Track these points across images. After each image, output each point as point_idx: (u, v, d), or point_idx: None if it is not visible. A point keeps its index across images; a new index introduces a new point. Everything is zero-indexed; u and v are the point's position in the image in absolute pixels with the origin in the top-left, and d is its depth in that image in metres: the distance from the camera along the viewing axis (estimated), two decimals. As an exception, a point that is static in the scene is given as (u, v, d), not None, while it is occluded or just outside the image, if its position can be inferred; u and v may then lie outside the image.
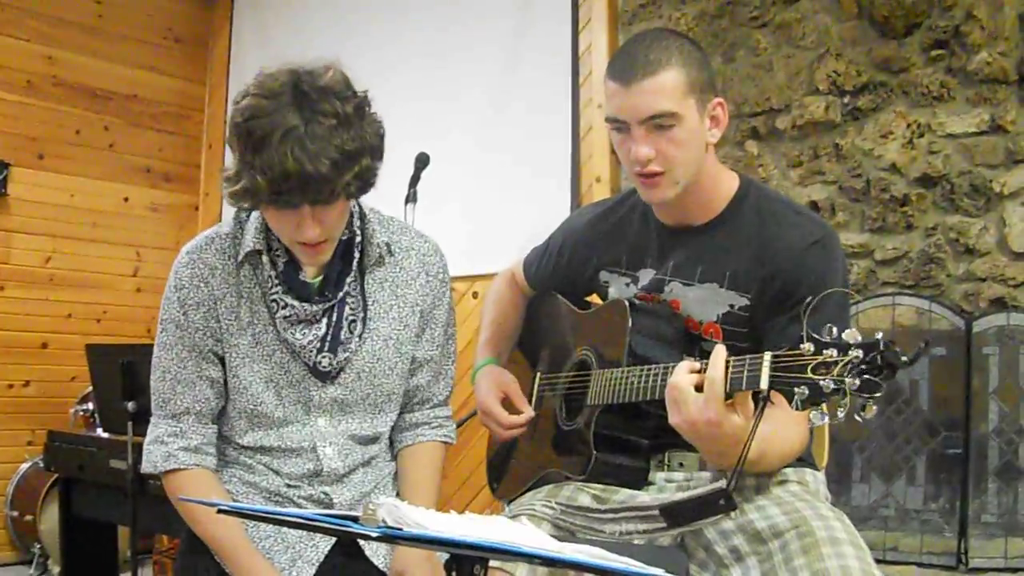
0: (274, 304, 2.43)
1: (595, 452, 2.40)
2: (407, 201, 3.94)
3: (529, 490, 2.67)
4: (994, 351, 4.15)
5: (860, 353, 1.74)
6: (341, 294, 2.47)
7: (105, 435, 4.88)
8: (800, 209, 2.51)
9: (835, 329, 1.79)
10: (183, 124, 7.53)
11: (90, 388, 5.50)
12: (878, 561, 2.19)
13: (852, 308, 4.31)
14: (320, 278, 2.46)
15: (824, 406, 1.80)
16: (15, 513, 5.98)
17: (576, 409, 2.57)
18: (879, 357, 1.73)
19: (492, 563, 1.96)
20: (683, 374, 2.11)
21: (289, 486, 2.52)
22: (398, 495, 2.63)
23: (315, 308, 2.43)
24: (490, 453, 3.03)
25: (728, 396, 2.06)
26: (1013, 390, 4.11)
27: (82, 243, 6.86)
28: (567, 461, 2.54)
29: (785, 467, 2.42)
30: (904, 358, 1.73)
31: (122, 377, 4.25)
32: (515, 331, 3.04)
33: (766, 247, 2.40)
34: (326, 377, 2.49)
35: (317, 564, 2.43)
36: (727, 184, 2.50)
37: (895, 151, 4.56)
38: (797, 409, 1.82)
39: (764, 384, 1.90)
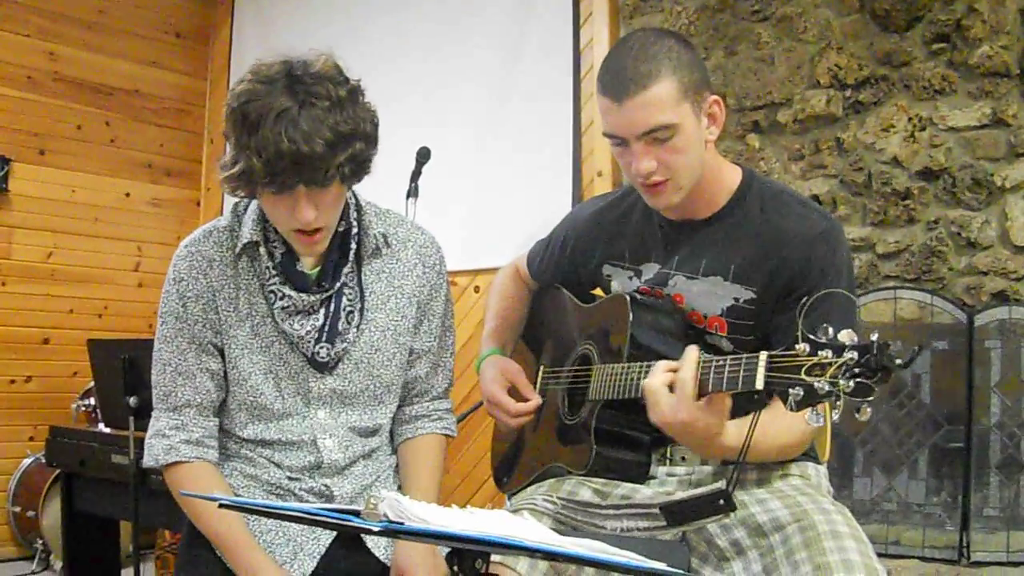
0: (272, 295, 2.45)
1: (596, 446, 2.40)
2: (408, 195, 3.95)
3: (531, 484, 2.67)
4: (996, 345, 4.15)
5: (855, 355, 1.73)
6: (338, 284, 2.48)
7: (107, 430, 4.88)
8: (804, 200, 2.51)
9: (831, 329, 1.78)
10: (184, 119, 7.52)
11: (92, 383, 5.49)
12: (880, 555, 2.19)
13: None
14: (317, 269, 2.48)
15: (819, 407, 1.79)
16: (17, 509, 5.99)
17: (578, 403, 2.57)
18: (874, 359, 1.71)
19: (494, 557, 1.96)
20: (658, 375, 2.16)
21: (290, 479, 2.53)
22: (399, 488, 2.64)
23: (312, 298, 2.44)
24: (497, 448, 3.03)
25: (700, 396, 2.10)
26: (1015, 384, 4.11)
27: (83, 238, 6.86)
28: (569, 455, 2.54)
29: (788, 460, 2.43)
30: (899, 361, 1.72)
31: (123, 372, 4.24)
32: (520, 323, 3.04)
33: (771, 239, 2.40)
34: (324, 368, 2.50)
35: (318, 557, 2.44)
36: (729, 177, 2.49)
37: (897, 145, 4.56)
38: (792, 410, 1.81)
39: (760, 385, 1.90)
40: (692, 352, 2.13)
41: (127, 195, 7.13)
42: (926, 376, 4.26)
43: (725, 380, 2.01)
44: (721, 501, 2.10)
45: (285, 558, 2.42)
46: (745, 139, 5.02)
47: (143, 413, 4.03)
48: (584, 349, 2.65)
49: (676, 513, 2.19)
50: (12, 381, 6.48)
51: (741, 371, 1.96)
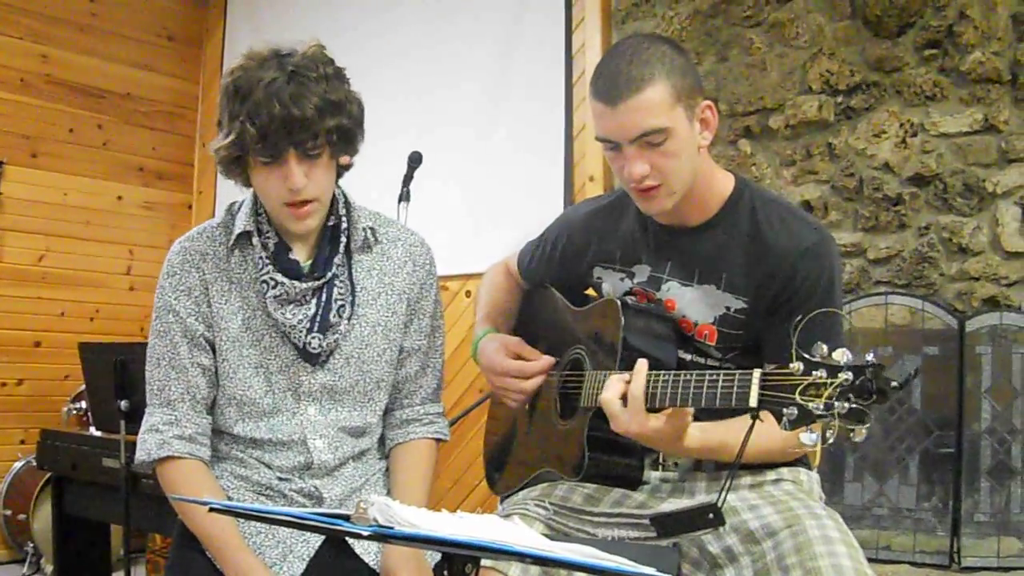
0: (265, 285, 2.48)
1: (588, 452, 2.39)
2: (400, 200, 3.95)
3: (523, 488, 2.67)
4: (987, 350, 4.16)
5: (850, 376, 1.72)
6: (330, 275, 2.52)
7: (98, 434, 4.87)
8: (795, 211, 2.50)
9: (825, 347, 1.77)
10: (177, 123, 7.51)
11: (83, 387, 5.49)
12: (871, 560, 2.20)
13: (845, 308, 4.32)
14: (310, 262, 2.53)
15: (813, 427, 1.79)
16: (8, 512, 5.98)
17: (570, 409, 2.57)
18: (869, 382, 1.71)
19: (484, 562, 1.96)
20: (612, 388, 2.19)
21: (280, 479, 2.54)
22: (389, 493, 2.65)
23: (304, 286, 2.48)
24: (489, 446, 3.02)
25: (654, 410, 2.13)
26: (1006, 389, 4.11)
27: (75, 241, 6.85)
28: (561, 461, 2.53)
29: (780, 465, 2.43)
30: (894, 383, 1.71)
31: (115, 376, 4.24)
32: (511, 314, 3.03)
33: (761, 250, 2.40)
34: (316, 360, 2.52)
35: (307, 559, 2.45)
36: (722, 184, 2.49)
37: (888, 150, 4.57)
38: (786, 429, 1.81)
39: (753, 403, 1.90)
40: (641, 365, 2.16)
41: (119, 198, 7.12)
42: (917, 382, 4.26)
43: (718, 395, 2.01)
44: (711, 515, 2.11)
45: (274, 560, 2.43)
46: (737, 144, 5.03)
47: (134, 416, 4.03)
48: (576, 353, 2.65)
49: (666, 525, 2.20)
50: (3, 384, 6.47)
51: (735, 387, 1.96)
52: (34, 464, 5.55)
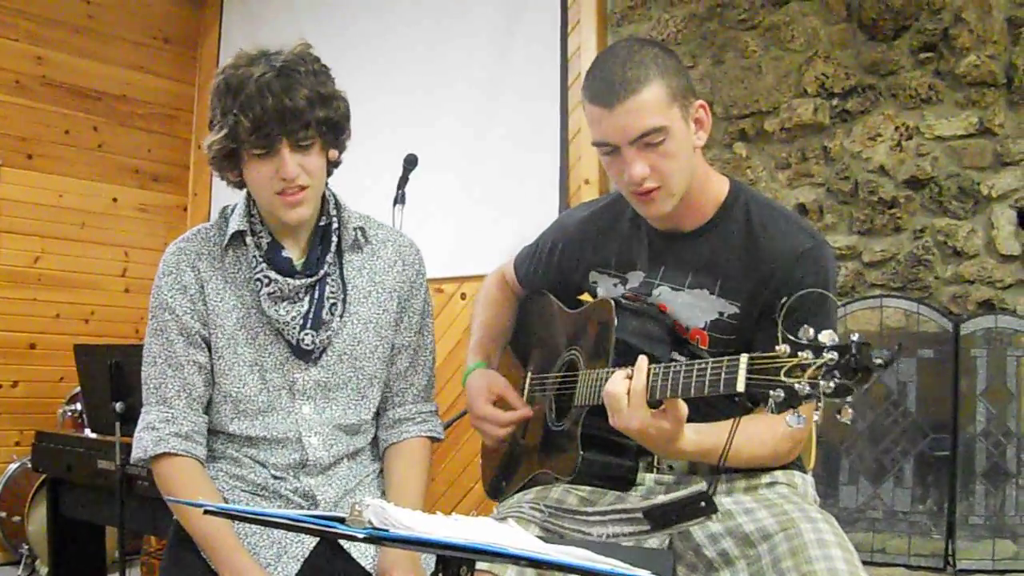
0: (258, 282, 2.52)
1: (582, 452, 2.39)
2: (395, 202, 3.95)
3: (519, 491, 2.67)
4: (982, 353, 4.16)
5: (834, 355, 1.72)
6: (322, 272, 2.55)
7: (93, 436, 4.87)
8: (790, 216, 2.50)
9: (812, 330, 1.77)
10: (172, 125, 7.51)
11: (78, 388, 5.49)
12: (866, 563, 2.20)
13: (840, 311, 4.33)
14: (302, 260, 2.57)
15: (800, 409, 1.79)
16: (3, 514, 5.97)
17: (565, 410, 2.57)
18: (853, 359, 1.71)
19: (479, 565, 1.96)
20: (617, 382, 2.18)
21: (275, 478, 2.56)
22: (383, 494, 2.66)
23: (297, 283, 2.51)
24: (488, 462, 3.02)
25: (655, 404, 2.12)
26: (1001, 392, 4.12)
27: (71, 243, 6.84)
28: (555, 462, 2.54)
29: (774, 469, 2.43)
30: (879, 360, 1.72)
31: (110, 378, 4.24)
32: (506, 332, 3.04)
33: (754, 256, 2.40)
34: (309, 357, 2.55)
35: (302, 559, 2.46)
36: (717, 188, 2.49)
37: (883, 153, 4.57)
38: (772, 412, 1.81)
39: (740, 387, 1.90)
40: (642, 362, 2.16)
41: (114, 200, 7.11)
42: (912, 384, 4.27)
43: (707, 383, 2.01)
44: (702, 504, 2.11)
45: (269, 560, 2.44)
46: (732, 147, 5.03)
47: (129, 418, 4.02)
48: (570, 355, 2.65)
49: (658, 517, 2.20)
50: (-2, 386, 6.48)
51: (723, 373, 1.96)
52: (29, 466, 5.54)
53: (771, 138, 4.92)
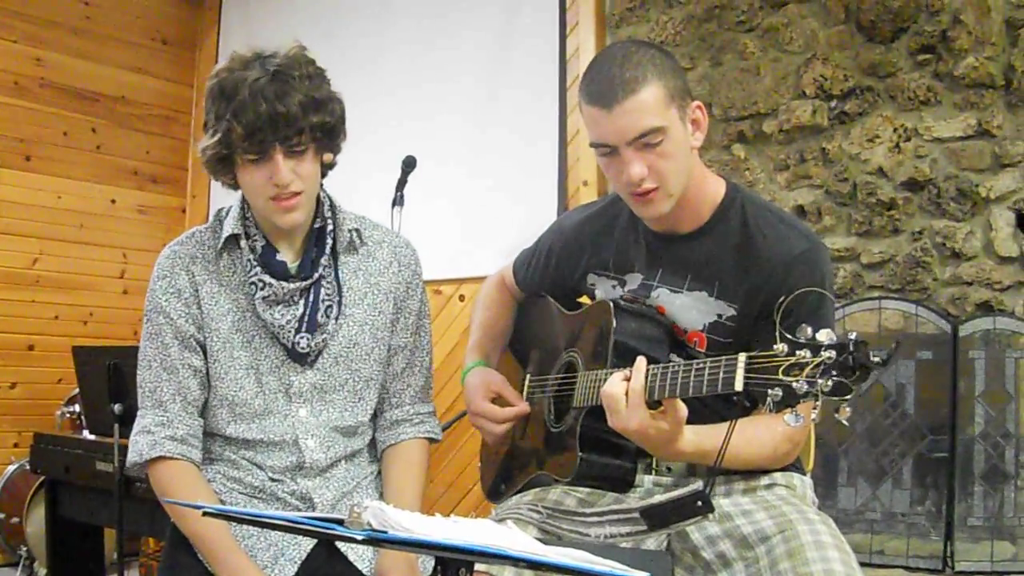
0: (253, 286, 2.52)
1: (581, 453, 2.39)
2: (394, 204, 3.95)
3: (517, 493, 2.67)
4: (980, 355, 4.16)
5: (832, 354, 1.73)
6: (317, 275, 2.55)
7: (91, 437, 4.87)
8: (786, 218, 2.50)
9: (809, 329, 1.78)
10: (171, 126, 7.51)
11: (76, 390, 5.48)
12: (864, 564, 2.21)
13: (838, 312, 4.33)
14: (297, 263, 2.56)
15: (798, 408, 1.79)
16: (1, 516, 5.96)
17: (563, 411, 2.57)
18: (851, 358, 1.72)
19: (478, 567, 1.96)
20: (615, 383, 2.18)
21: (272, 480, 2.55)
22: (381, 496, 2.65)
23: (292, 286, 2.52)
24: (486, 464, 3.02)
25: (654, 405, 2.12)
26: (999, 394, 4.12)
27: (69, 245, 6.84)
28: (554, 464, 2.54)
29: (773, 471, 2.43)
30: (877, 359, 1.72)
31: (108, 379, 4.24)
32: (505, 334, 3.04)
33: (751, 259, 2.40)
34: (305, 360, 2.55)
35: (299, 562, 2.46)
36: (713, 190, 2.49)
37: (882, 155, 4.58)
38: (771, 411, 1.81)
39: (739, 386, 1.90)
40: (640, 363, 2.16)
41: (113, 202, 7.11)
42: (910, 386, 4.27)
43: (705, 382, 2.01)
44: (699, 503, 2.11)
45: (266, 563, 2.43)
46: (731, 149, 5.03)
47: (128, 420, 4.00)
48: (569, 356, 2.65)
49: (656, 516, 2.20)
50: (-4, 387, 6.48)
51: (721, 373, 1.97)
52: (27, 468, 5.53)
53: (769, 140, 4.92)
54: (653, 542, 2.31)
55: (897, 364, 4.28)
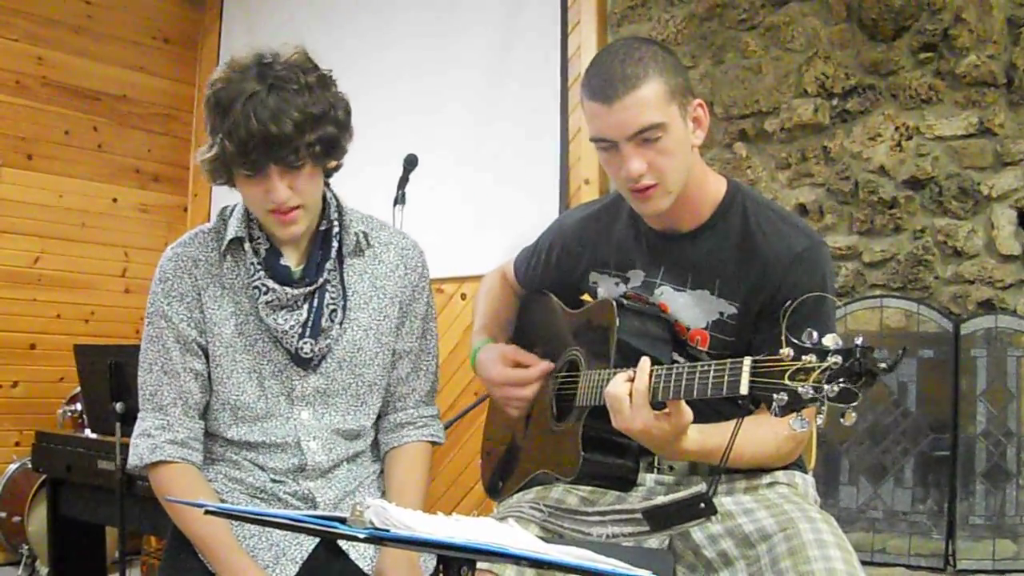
0: (256, 290, 2.48)
1: (584, 453, 2.39)
2: (395, 203, 3.95)
3: (519, 491, 2.67)
4: (982, 353, 4.16)
5: (839, 359, 1.72)
6: (321, 280, 2.52)
7: (93, 436, 4.87)
8: (787, 217, 2.50)
9: (815, 334, 1.77)
10: (172, 125, 7.51)
11: (78, 389, 5.48)
12: (866, 563, 2.20)
13: (840, 311, 4.33)
14: (301, 267, 2.53)
15: (803, 412, 1.79)
16: (3, 514, 5.96)
17: (566, 410, 2.56)
18: (857, 364, 1.71)
19: (480, 565, 1.96)
20: (619, 383, 2.17)
21: (274, 481, 2.54)
22: (383, 495, 2.64)
23: (297, 292, 2.48)
24: (487, 458, 3.01)
25: (658, 406, 2.12)
26: (1001, 392, 4.12)
27: (71, 243, 6.84)
28: (557, 462, 2.53)
29: (775, 469, 2.43)
30: (883, 364, 1.71)
31: (110, 378, 4.24)
32: (508, 325, 3.03)
33: (751, 258, 2.40)
34: (308, 364, 2.52)
35: (300, 562, 2.44)
36: (714, 188, 2.49)
37: (883, 153, 4.57)
38: (776, 415, 1.81)
39: (744, 390, 1.89)
40: (644, 363, 2.15)
41: (114, 200, 7.11)
42: (912, 384, 4.27)
43: (710, 385, 2.00)
44: (702, 505, 2.11)
45: (267, 563, 2.42)
46: (732, 148, 5.03)
47: (129, 419, 4.01)
48: (572, 355, 2.64)
49: (658, 517, 2.20)
50: (-2, 386, 6.48)
51: (726, 376, 1.96)
52: (29, 466, 5.54)
53: (771, 138, 4.92)
54: (655, 541, 2.31)
55: (899, 363, 4.28)
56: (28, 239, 6.61)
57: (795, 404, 1.78)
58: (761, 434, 2.30)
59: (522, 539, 1.59)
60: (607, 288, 2.64)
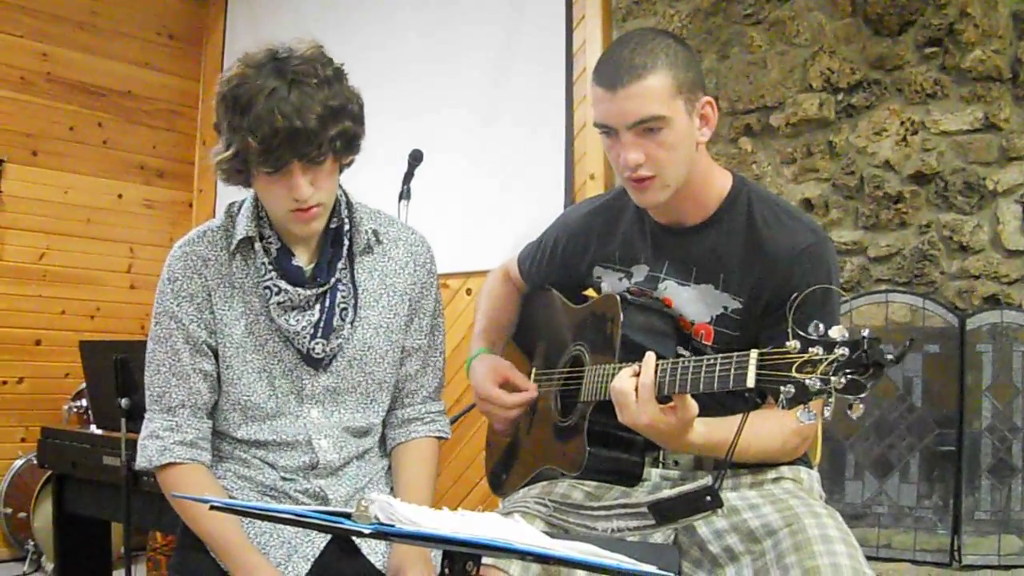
0: (267, 291, 2.46)
1: (589, 448, 2.39)
2: (401, 198, 3.95)
3: (524, 486, 2.67)
4: (987, 348, 4.16)
5: (846, 351, 1.72)
6: (333, 280, 2.50)
7: (99, 432, 4.86)
8: (793, 212, 2.49)
9: (822, 326, 1.77)
10: (177, 121, 7.51)
11: (83, 385, 5.48)
12: (871, 558, 2.20)
13: (845, 306, 4.33)
14: (312, 265, 2.51)
15: (810, 405, 1.79)
16: (8, 510, 5.98)
17: (571, 405, 2.56)
18: (864, 355, 1.71)
19: (485, 560, 1.96)
20: (625, 378, 2.17)
21: (284, 479, 2.53)
22: (392, 491, 2.64)
23: (308, 293, 2.46)
24: (491, 453, 3.01)
25: (665, 400, 2.12)
26: (1006, 387, 4.11)
27: (76, 239, 6.85)
28: (562, 457, 2.53)
29: (780, 464, 2.43)
30: (890, 356, 1.71)
31: (115, 374, 4.23)
32: (510, 324, 3.03)
33: (756, 252, 2.39)
34: (318, 364, 2.51)
35: (312, 560, 2.43)
36: (720, 183, 2.48)
37: (889, 148, 4.57)
38: (783, 408, 1.81)
39: (751, 383, 1.89)
40: (650, 357, 2.15)
41: (120, 196, 7.12)
42: (918, 380, 4.26)
43: (716, 378, 2.00)
44: (708, 498, 2.11)
45: (279, 560, 2.41)
46: (737, 142, 5.03)
47: (135, 415, 4.02)
48: (576, 350, 2.64)
49: (664, 511, 2.20)
50: (4, 382, 6.47)
51: (732, 369, 1.96)
52: (35, 462, 5.56)
53: (776, 133, 4.92)
54: (660, 536, 2.31)
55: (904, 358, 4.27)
56: (33, 235, 6.62)
57: (802, 396, 1.77)
58: (767, 428, 2.29)
59: (527, 534, 1.59)
60: (611, 282, 2.64)
